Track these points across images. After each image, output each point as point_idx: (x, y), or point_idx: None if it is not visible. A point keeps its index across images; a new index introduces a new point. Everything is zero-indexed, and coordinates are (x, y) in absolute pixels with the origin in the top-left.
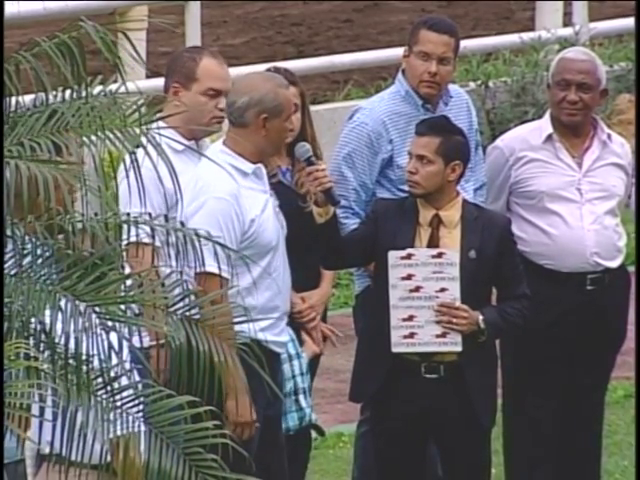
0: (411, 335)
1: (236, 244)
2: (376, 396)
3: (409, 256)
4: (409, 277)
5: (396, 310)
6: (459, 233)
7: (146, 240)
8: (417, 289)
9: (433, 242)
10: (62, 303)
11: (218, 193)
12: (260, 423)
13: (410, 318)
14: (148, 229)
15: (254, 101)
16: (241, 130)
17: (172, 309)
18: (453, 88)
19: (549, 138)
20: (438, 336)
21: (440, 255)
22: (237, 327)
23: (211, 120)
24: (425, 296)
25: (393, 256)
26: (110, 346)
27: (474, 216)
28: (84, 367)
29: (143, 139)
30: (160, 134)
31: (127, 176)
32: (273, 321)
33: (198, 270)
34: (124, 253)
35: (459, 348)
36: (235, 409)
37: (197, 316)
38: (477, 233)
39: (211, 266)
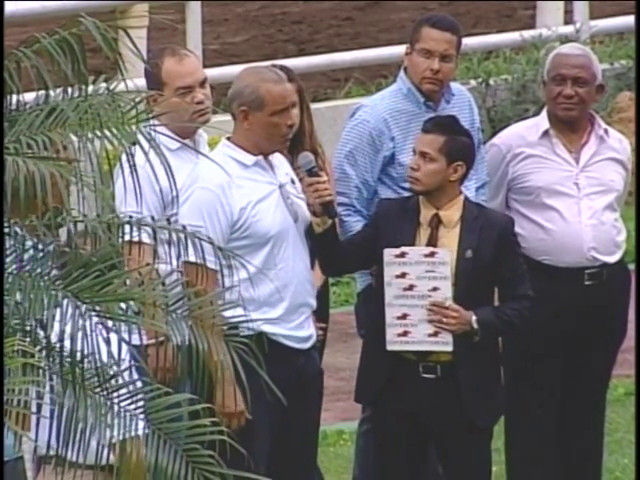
0: (405, 333)
1: (221, 235)
2: (377, 396)
3: (403, 254)
4: (403, 275)
5: (391, 308)
6: (458, 233)
7: (146, 240)
8: (411, 287)
9: (432, 242)
10: (59, 299)
11: (205, 184)
12: (268, 417)
13: (404, 316)
14: (150, 230)
15: (234, 94)
16: (236, 122)
17: (172, 308)
18: (455, 86)
19: (546, 134)
20: (430, 335)
21: (432, 254)
22: (237, 320)
23: (192, 116)
24: (418, 295)
25: (388, 254)
26: (108, 344)
27: (474, 216)
28: (81, 365)
29: (140, 137)
30: (157, 131)
31: (122, 175)
32: (282, 313)
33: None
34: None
35: (450, 348)
36: (221, 400)
37: (184, 308)
38: (475, 233)
39: (191, 255)
